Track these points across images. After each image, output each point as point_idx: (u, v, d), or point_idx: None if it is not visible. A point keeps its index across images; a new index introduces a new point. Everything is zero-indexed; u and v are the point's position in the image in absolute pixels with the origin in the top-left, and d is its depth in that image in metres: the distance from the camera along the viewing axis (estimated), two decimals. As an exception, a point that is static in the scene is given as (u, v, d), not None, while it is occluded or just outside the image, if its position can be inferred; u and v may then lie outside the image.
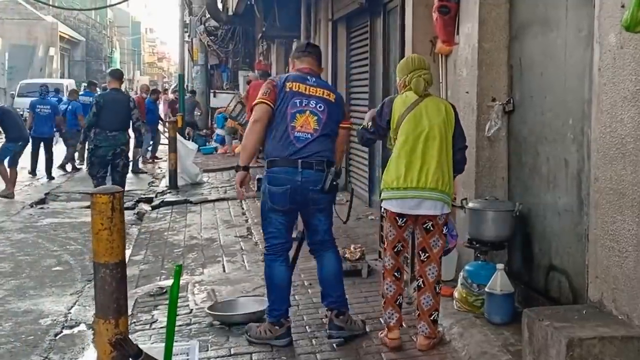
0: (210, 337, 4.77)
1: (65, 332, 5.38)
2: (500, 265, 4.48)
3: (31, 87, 29.93)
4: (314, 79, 4.58)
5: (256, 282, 5.95)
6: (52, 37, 46.26)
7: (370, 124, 4.53)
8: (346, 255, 5.86)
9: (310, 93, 4.49)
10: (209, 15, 21.01)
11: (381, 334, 4.52)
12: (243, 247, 7.40)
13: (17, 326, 5.49)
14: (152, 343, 4.68)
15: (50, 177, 14.14)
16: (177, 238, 8.19)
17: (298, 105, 4.44)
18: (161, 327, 4.92)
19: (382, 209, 4.47)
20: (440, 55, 5.91)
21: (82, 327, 5.41)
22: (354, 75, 10.31)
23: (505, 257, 4.93)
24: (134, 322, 5.08)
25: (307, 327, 4.84)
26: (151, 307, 5.46)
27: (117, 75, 10.01)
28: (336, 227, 4.86)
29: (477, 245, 4.75)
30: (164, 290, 5.75)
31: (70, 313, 5.81)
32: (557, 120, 4.38)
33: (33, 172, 14.55)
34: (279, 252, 4.53)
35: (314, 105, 4.46)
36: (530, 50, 4.78)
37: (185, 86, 21.78)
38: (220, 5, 19.13)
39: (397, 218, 4.33)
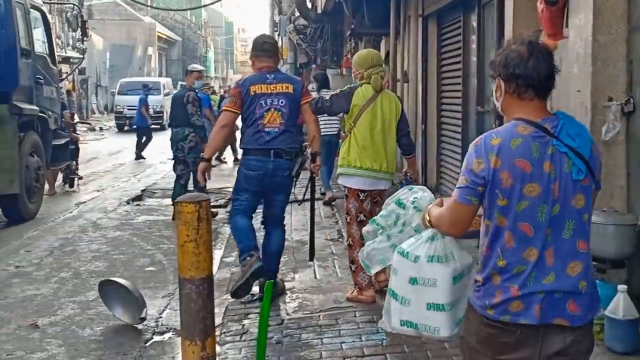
0: (302, 352, 4.39)
1: (156, 338, 5.11)
2: (622, 287, 3.88)
3: (130, 85, 30.43)
4: (272, 76, 5.31)
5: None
6: (150, 37, 47.24)
7: (328, 97, 5.35)
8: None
9: (271, 91, 5.24)
10: (298, 14, 20.74)
11: (350, 293, 5.34)
12: (334, 251, 6.98)
13: (108, 331, 5.26)
14: (243, 357, 4.34)
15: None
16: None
17: (264, 105, 5.21)
18: (252, 340, 4.56)
19: (343, 186, 5.41)
20: (544, 51, 5.31)
21: (172, 334, 5.13)
22: (445, 73, 9.74)
23: (625, 276, 4.31)
24: (224, 333, 4.76)
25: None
26: (242, 315, 5.12)
27: (186, 73, 9.92)
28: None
29: (594, 262, 4.16)
30: (255, 298, 5.40)
31: (161, 317, 5.55)
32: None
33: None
34: (244, 212, 5.35)
35: (277, 102, 5.23)
36: (654, 44, 4.16)
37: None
38: (309, 4, 18.79)
39: (359, 194, 5.29)
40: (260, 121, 5.19)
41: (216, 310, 4.89)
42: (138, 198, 11.44)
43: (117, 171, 15.35)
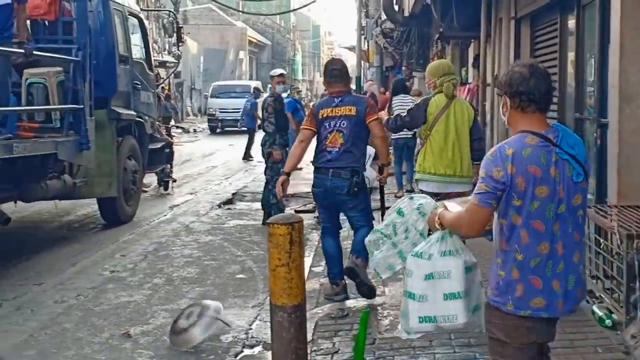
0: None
1: (246, 352, 4.92)
2: None
3: (222, 88, 30.82)
4: (339, 99, 5.55)
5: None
6: (241, 42, 47.83)
7: (405, 114, 5.68)
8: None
9: (335, 114, 5.50)
10: (384, 17, 20.35)
11: None
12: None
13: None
14: (334, 380, 4.08)
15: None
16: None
17: (328, 127, 5.49)
18: (343, 360, 4.31)
19: (419, 189, 5.54)
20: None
21: (262, 348, 4.93)
22: (540, 76, 9.21)
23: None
24: (315, 350, 4.50)
25: None
26: (332, 332, 4.86)
27: (271, 77, 9.71)
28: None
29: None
30: (346, 313, 5.14)
31: (251, 329, 5.37)
32: None
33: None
34: (327, 232, 5.69)
35: (339, 124, 5.46)
36: None
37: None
38: (396, 7, 18.37)
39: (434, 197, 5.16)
40: (325, 142, 5.51)
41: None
42: (229, 202, 11.40)
43: (210, 174, 15.43)
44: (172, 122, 25.40)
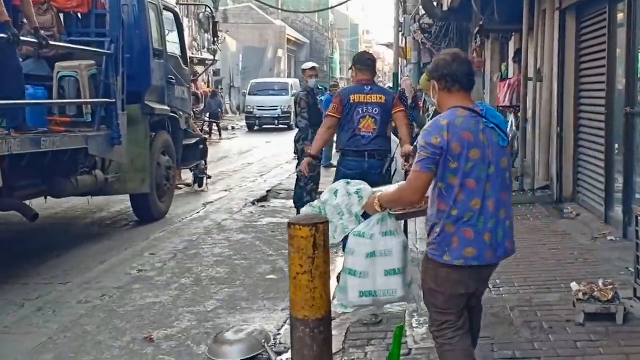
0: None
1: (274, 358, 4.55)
2: None
3: (260, 86, 30.58)
4: (369, 87, 5.74)
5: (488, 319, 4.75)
6: (280, 40, 47.60)
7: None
8: (595, 294, 4.44)
9: (368, 101, 5.67)
10: (422, 13, 19.81)
11: None
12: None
13: None
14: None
15: None
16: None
17: (361, 112, 5.65)
18: (375, 373, 3.91)
19: None
20: None
21: (290, 356, 4.54)
22: (585, 71, 8.66)
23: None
24: (345, 361, 4.12)
25: None
26: (365, 340, 4.44)
27: (303, 70, 9.30)
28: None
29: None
30: (379, 320, 4.73)
31: (279, 335, 4.98)
32: None
33: None
34: None
35: (372, 110, 5.66)
36: None
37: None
38: (434, 2, 17.82)
39: None
40: (358, 126, 5.66)
41: (335, 332, 4.29)
42: (263, 199, 11.05)
43: (245, 171, 15.13)
44: (220, 120, 25.15)
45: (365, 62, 5.87)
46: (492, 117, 3.05)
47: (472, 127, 2.97)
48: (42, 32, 8.46)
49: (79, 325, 5.18)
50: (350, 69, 6.16)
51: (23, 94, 6.79)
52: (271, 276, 6.53)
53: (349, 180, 3.75)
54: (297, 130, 8.83)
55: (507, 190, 3.07)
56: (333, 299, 3.37)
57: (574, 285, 4.64)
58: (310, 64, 9.40)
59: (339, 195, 3.57)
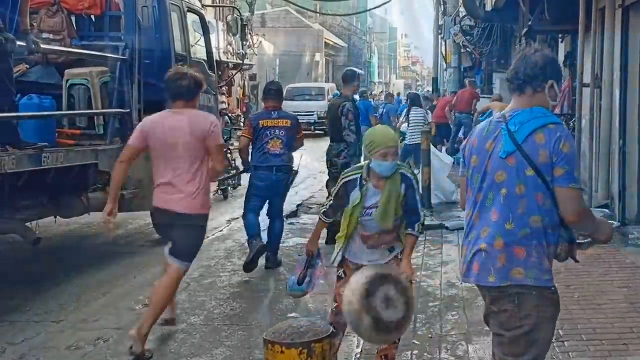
0: None
1: None
2: None
3: (296, 91, 29.80)
4: (276, 113, 6.85)
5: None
6: (318, 44, 46.76)
7: None
8: None
9: (274, 125, 6.78)
10: (463, 15, 18.71)
11: None
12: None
13: None
14: None
15: None
16: (431, 283, 6.18)
17: (269, 135, 6.73)
18: None
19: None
20: None
21: None
22: (654, 74, 7.54)
23: None
24: None
25: None
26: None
27: (345, 79, 8.18)
28: None
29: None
30: None
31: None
32: None
33: None
34: (250, 211, 6.92)
35: (279, 133, 6.76)
36: None
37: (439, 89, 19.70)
38: (477, 1, 16.65)
39: None
40: (267, 146, 6.71)
41: None
42: (293, 214, 10.07)
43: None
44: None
45: (269, 92, 6.98)
46: (513, 124, 2.69)
47: (485, 133, 2.79)
48: (51, 35, 7.79)
49: (60, 382, 4.31)
50: (262, 99, 7.32)
51: (13, 103, 5.98)
52: (293, 314, 5.59)
53: None
54: (331, 141, 7.85)
55: (500, 210, 2.67)
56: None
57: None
58: (358, 70, 8.58)
59: None
